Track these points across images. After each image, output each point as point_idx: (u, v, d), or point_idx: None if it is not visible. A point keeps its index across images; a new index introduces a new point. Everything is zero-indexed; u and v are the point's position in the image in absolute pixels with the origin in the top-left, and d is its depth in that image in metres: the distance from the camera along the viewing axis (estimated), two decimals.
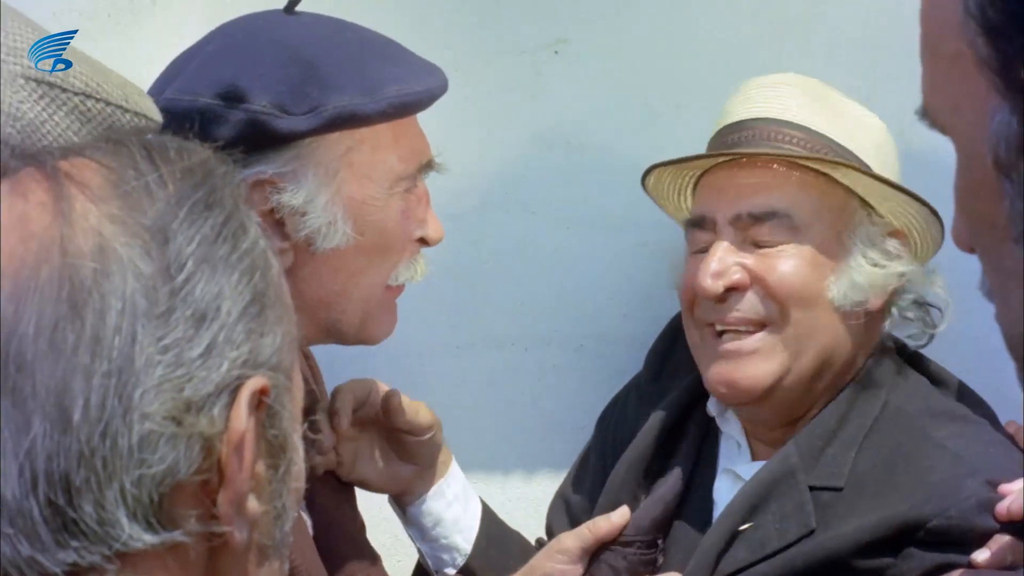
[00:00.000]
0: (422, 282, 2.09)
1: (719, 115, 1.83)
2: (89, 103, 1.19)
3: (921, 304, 1.80)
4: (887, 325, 1.80)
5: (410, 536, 1.88)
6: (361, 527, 1.82)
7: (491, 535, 1.89)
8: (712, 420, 1.87)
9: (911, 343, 1.83)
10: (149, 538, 0.81)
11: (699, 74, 2.11)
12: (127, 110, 1.22)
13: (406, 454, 1.79)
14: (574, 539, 1.77)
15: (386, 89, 1.50)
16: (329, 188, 1.51)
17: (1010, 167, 0.66)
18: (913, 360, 1.82)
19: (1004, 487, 1.50)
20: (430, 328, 2.09)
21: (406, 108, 1.53)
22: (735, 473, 1.81)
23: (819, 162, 1.71)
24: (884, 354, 1.79)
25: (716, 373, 1.76)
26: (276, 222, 1.51)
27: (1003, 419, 1.78)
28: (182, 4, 1.99)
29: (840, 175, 1.72)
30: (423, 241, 1.63)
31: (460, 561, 1.86)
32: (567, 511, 1.96)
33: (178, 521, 0.82)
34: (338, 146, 1.52)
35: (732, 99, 1.81)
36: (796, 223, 1.72)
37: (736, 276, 1.73)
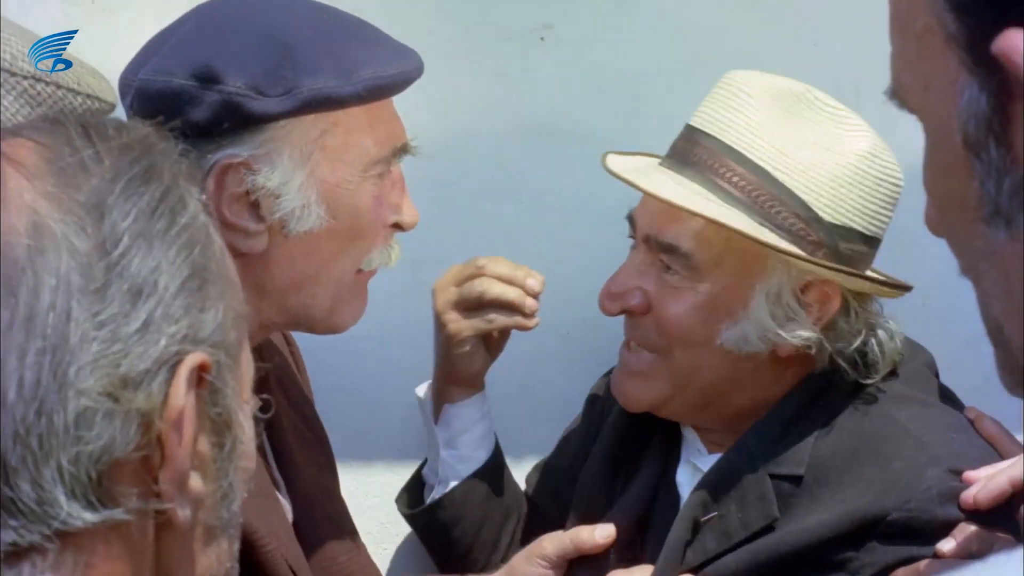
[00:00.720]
0: (408, 269, 2.09)
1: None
2: (39, 86, 1.19)
3: (855, 355, 1.72)
4: (823, 362, 1.73)
5: (433, 444, 2.00)
6: (344, 512, 1.82)
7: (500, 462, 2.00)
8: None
9: (862, 380, 1.75)
10: (89, 516, 0.80)
11: (686, 60, 2.11)
12: (78, 92, 1.22)
13: (490, 343, 1.94)
14: (555, 547, 1.76)
15: (361, 72, 1.50)
16: (303, 171, 1.51)
17: (979, 145, 0.65)
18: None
19: (969, 475, 1.48)
20: (416, 316, 2.08)
21: (381, 91, 1.53)
22: (694, 465, 1.82)
23: (723, 227, 1.63)
24: (833, 378, 1.74)
25: (613, 379, 1.84)
26: (251, 204, 1.51)
27: (997, 408, 1.77)
28: None
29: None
30: (397, 226, 1.62)
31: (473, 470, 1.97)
32: (546, 473, 2.01)
33: (118, 499, 0.81)
34: (313, 129, 1.51)
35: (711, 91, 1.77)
36: (696, 264, 1.69)
37: (633, 302, 1.75)
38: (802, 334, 1.68)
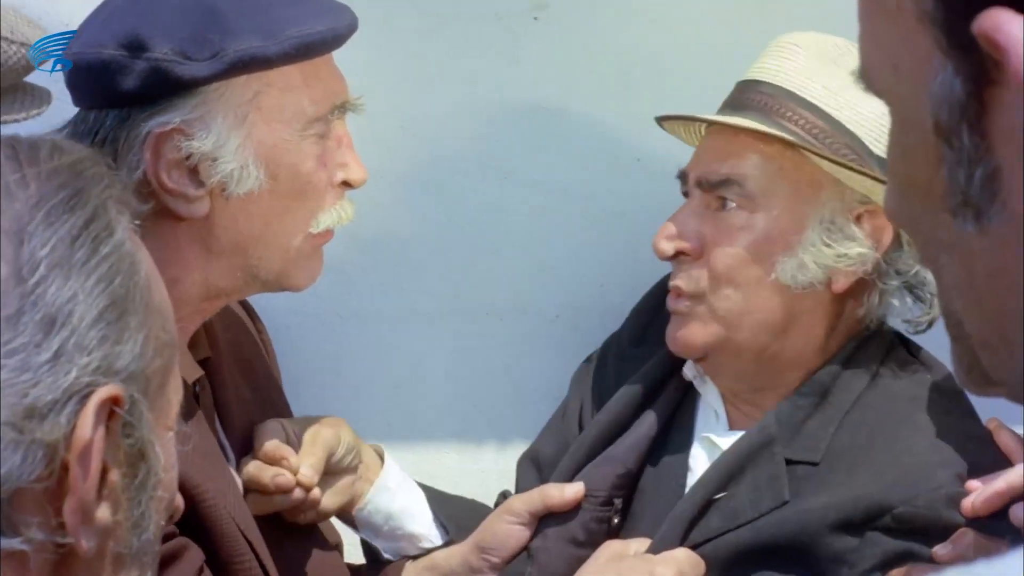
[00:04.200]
0: (395, 249, 2.07)
1: None
2: None
3: (912, 287, 1.75)
4: (874, 306, 1.76)
5: (363, 538, 1.86)
6: (337, 545, 1.80)
7: (447, 511, 1.87)
8: (690, 386, 1.85)
9: (907, 329, 1.79)
10: None
11: (679, 41, 2.09)
12: (12, 41, 1.21)
13: (332, 468, 1.75)
14: (523, 503, 1.76)
15: (288, 30, 1.50)
16: (239, 132, 1.51)
17: (951, 132, 0.61)
18: (907, 347, 1.79)
19: (971, 483, 1.49)
20: (402, 296, 2.06)
21: (309, 49, 1.52)
22: (711, 440, 1.80)
23: (777, 139, 1.69)
24: (872, 338, 1.76)
25: (668, 332, 1.79)
26: (190, 170, 1.51)
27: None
28: None
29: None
30: (347, 184, 1.62)
31: (424, 545, 1.84)
32: (536, 467, 1.94)
33: (18, 527, 0.81)
34: (246, 90, 1.51)
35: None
36: (750, 192, 1.71)
37: (688, 244, 1.74)
38: (859, 250, 1.70)
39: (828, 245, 1.69)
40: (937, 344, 1.80)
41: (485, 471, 2.17)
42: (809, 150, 1.68)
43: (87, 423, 0.81)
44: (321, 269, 1.65)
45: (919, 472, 1.60)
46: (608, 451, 1.81)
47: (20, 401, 0.79)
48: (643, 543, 1.70)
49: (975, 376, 0.68)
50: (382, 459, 1.83)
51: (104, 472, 0.83)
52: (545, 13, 2.09)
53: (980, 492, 1.45)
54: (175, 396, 0.92)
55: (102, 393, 0.82)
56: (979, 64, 0.59)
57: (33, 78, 1.32)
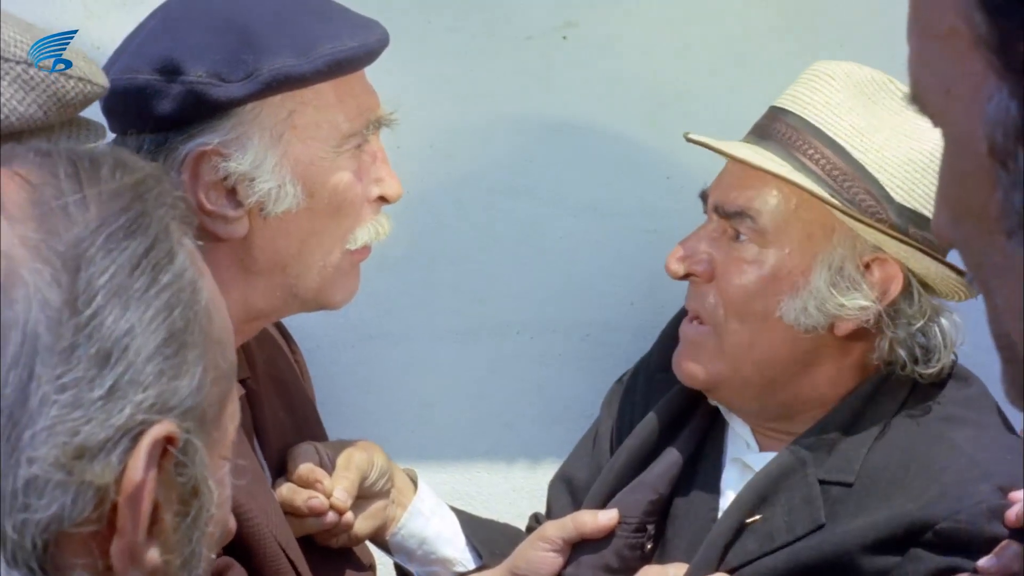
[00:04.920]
0: (426, 268, 2.08)
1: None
2: (31, 71, 1.18)
3: (920, 334, 1.71)
4: (884, 351, 1.72)
5: (398, 563, 1.86)
6: (371, 566, 1.80)
7: (480, 535, 1.87)
8: (718, 411, 1.85)
9: (921, 371, 1.73)
10: None
11: (707, 61, 2.09)
12: (70, 76, 1.21)
13: (365, 492, 1.75)
14: (556, 530, 1.76)
15: (320, 48, 1.50)
16: (276, 151, 1.51)
17: (1007, 155, 0.62)
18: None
19: (1014, 494, 1.48)
20: (434, 314, 2.07)
21: (342, 65, 1.52)
22: (744, 463, 1.79)
23: (794, 185, 1.66)
24: (886, 381, 1.73)
25: (674, 357, 1.80)
26: (228, 191, 1.52)
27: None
28: None
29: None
30: (383, 199, 1.62)
31: (457, 569, 1.84)
32: (568, 490, 1.94)
33: (64, 569, 0.77)
34: (281, 109, 1.52)
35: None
36: (763, 227, 1.69)
37: (699, 267, 1.74)
38: (862, 303, 1.67)
39: (832, 292, 1.67)
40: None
41: (517, 489, 2.17)
42: (823, 199, 1.65)
43: (139, 464, 0.78)
44: (358, 286, 1.65)
45: (960, 488, 1.59)
46: (640, 477, 1.80)
47: (71, 440, 0.75)
48: (680, 568, 1.70)
49: None
50: (415, 484, 1.83)
51: (155, 511, 0.79)
52: (574, 32, 2.09)
53: (1023, 503, 1.44)
54: (231, 424, 0.88)
55: (156, 432, 0.78)
56: None
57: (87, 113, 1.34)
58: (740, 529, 1.69)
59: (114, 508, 0.78)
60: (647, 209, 2.10)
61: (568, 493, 1.93)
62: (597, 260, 2.14)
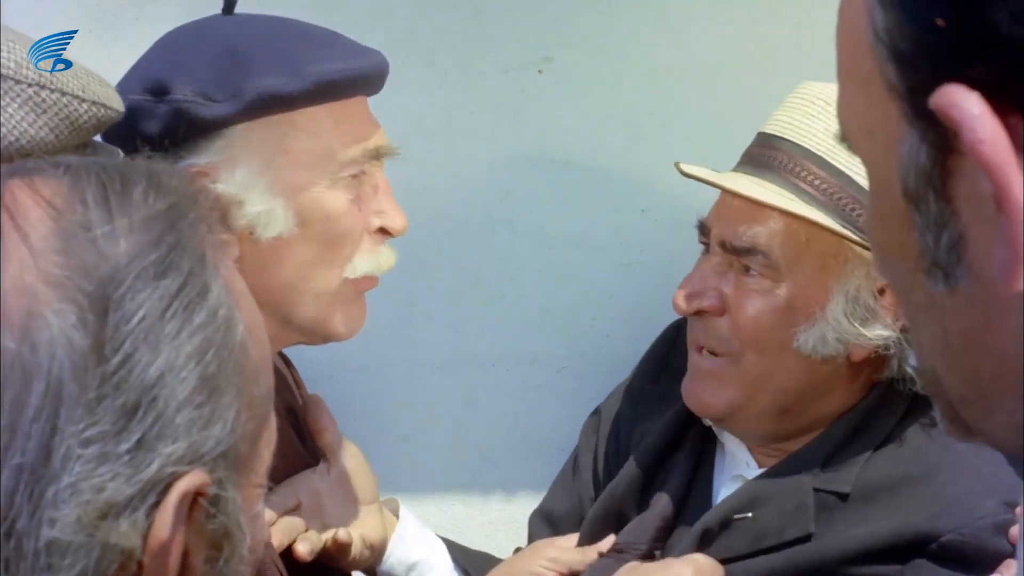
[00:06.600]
0: (404, 300, 2.08)
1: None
2: (44, 94, 1.17)
3: None
4: (894, 371, 1.73)
5: None
6: None
7: (469, 560, 1.87)
8: (710, 429, 1.85)
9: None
10: None
11: (684, 93, 2.10)
12: (84, 99, 1.20)
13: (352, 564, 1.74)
14: (566, 557, 1.75)
15: (309, 68, 1.48)
16: (266, 175, 1.49)
17: (918, 198, 0.63)
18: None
19: (1020, 510, 1.48)
20: (411, 347, 2.07)
21: (331, 87, 1.50)
22: (744, 478, 1.79)
23: (806, 222, 1.65)
24: (886, 395, 1.74)
25: (685, 386, 1.78)
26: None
27: None
28: (163, 17, 1.98)
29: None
30: (385, 232, 1.59)
31: None
32: (549, 523, 1.93)
33: None
34: (271, 132, 1.49)
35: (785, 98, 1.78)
36: (775, 263, 1.68)
37: (708, 303, 1.72)
38: (882, 333, 1.67)
39: (851, 322, 1.67)
40: None
41: (493, 522, 2.17)
42: (836, 232, 1.64)
43: (166, 521, 0.73)
44: (364, 318, 1.61)
45: (964, 502, 1.59)
46: (647, 512, 1.80)
47: (95, 497, 0.71)
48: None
49: (957, 427, 0.70)
50: (396, 514, 1.82)
51: (185, 557, 0.75)
52: (550, 66, 2.10)
53: None
54: (267, 449, 0.83)
55: (184, 485, 0.73)
56: (942, 133, 0.61)
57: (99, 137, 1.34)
58: (727, 523, 1.69)
59: (140, 565, 0.74)
60: (623, 241, 2.11)
61: (549, 527, 1.93)
62: (573, 292, 2.14)
